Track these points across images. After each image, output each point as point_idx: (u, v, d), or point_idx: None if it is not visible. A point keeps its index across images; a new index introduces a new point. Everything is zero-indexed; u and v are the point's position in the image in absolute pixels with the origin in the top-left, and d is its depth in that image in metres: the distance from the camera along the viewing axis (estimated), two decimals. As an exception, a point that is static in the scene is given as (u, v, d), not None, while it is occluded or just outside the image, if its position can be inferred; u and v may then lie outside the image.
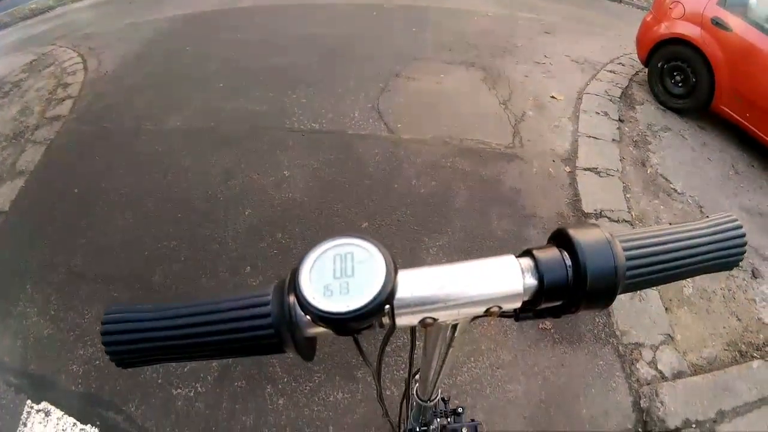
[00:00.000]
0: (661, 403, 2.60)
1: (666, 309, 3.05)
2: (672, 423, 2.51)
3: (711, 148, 4.26)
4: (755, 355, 3.07)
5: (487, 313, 0.46)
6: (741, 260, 0.53)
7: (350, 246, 0.42)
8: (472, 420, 1.50)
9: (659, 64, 4.53)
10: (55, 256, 2.93)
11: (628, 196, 3.53)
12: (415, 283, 0.44)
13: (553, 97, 4.27)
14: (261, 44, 5.09)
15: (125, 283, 2.78)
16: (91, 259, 2.90)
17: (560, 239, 0.48)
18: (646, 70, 4.73)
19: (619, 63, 5.23)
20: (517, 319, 0.53)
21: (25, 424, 2.22)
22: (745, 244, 0.52)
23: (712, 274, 3.25)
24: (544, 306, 0.48)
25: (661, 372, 2.75)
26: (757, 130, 3.94)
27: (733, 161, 4.18)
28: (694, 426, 2.56)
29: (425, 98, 4.27)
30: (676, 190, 3.79)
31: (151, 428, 2.20)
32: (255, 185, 3.23)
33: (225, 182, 3.25)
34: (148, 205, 3.20)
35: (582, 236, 0.46)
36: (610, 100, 4.40)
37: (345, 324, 0.39)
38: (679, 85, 4.46)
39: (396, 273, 0.41)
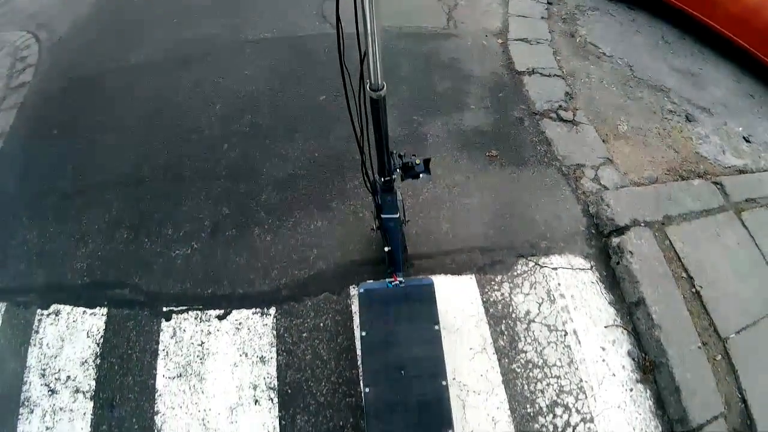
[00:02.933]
0: (608, 206, 2.84)
1: (603, 140, 3.33)
2: (621, 221, 2.77)
3: (640, 23, 4.53)
4: (696, 180, 3.36)
5: None
6: None
7: None
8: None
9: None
10: (46, 186, 3.03)
11: (558, 58, 3.79)
12: None
13: (483, -13, 4.55)
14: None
15: (116, 184, 2.91)
16: (81, 177, 3.01)
17: None
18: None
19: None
20: None
21: (37, 331, 2.34)
22: None
23: (645, 115, 3.55)
24: None
25: (604, 186, 2.98)
26: (684, 6, 4.20)
27: (663, 33, 4.44)
28: (643, 225, 2.82)
29: (363, 0, 4.38)
30: (605, 54, 4.09)
31: (156, 289, 2.38)
32: (220, 86, 3.40)
33: (193, 89, 3.39)
34: (126, 123, 3.32)
35: None
36: (538, -12, 4.66)
37: None
38: (604, -33, 4.65)
39: None
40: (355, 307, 2.24)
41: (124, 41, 4.15)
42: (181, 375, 2.08)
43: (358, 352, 2.07)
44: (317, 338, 2.17)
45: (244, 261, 2.43)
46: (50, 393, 2.15)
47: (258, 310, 2.26)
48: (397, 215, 1.80)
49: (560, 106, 3.38)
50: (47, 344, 2.31)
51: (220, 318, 2.25)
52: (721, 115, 4.15)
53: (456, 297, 2.38)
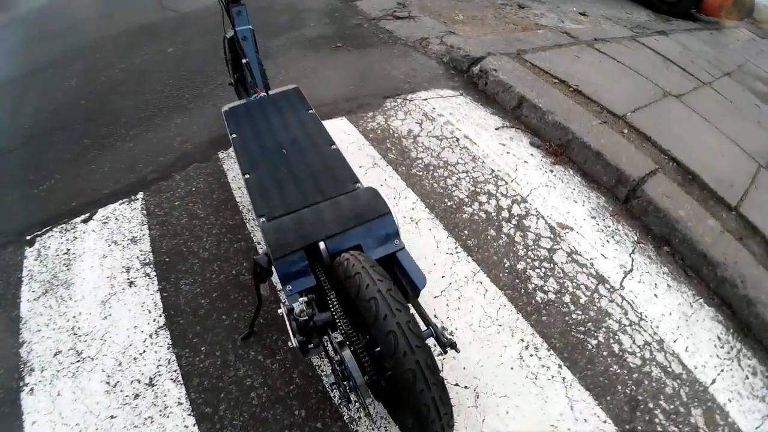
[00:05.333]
0: (460, 49, 3.00)
1: (443, 24, 3.55)
2: (476, 54, 2.92)
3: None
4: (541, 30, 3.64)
5: None
6: None
7: None
8: None
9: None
10: None
11: (386, -7, 4.18)
12: None
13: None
14: None
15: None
16: None
17: None
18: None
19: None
20: None
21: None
22: None
23: (478, 9, 3.86)
24: None
25: (451, 46, 3.14)
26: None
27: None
28: (498, 53, 2.98)
29: None
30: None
31: (18, 226, 2.05)
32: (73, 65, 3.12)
33: (49, 74, 2.95)
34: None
35: None
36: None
37: None
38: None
39: None
40: (226, 166, 2.16)
41: None
42: (46, 291, 1.83)
43: (232, 154, 2.00)
44: (191, 202, 2.04)
45: (107, 169, 2.27)
46: None
47: (125, 200, 2.09)
48: (249, 27, 1.87)
49: (394, 11, 3.64)
50: None
51: (86, 221, 2.02)
52: (553, 2, 4.56)
53: (332, 132, 2.34)
